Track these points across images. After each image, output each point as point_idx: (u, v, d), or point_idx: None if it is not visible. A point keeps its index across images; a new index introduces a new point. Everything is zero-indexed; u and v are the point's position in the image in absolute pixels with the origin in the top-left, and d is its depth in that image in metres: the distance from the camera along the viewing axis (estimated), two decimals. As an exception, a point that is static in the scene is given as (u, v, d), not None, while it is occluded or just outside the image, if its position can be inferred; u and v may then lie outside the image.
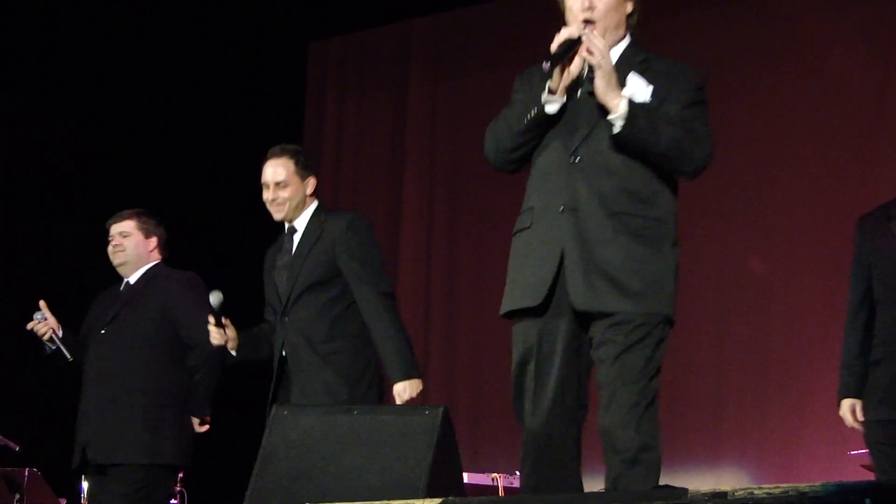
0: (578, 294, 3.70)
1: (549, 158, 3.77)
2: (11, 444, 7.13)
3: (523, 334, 3.82)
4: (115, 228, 5.75)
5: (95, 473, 5.58)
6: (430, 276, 8.38)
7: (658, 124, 3.66)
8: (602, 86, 3.62)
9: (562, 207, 3.73)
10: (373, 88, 8.66)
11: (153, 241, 5.81)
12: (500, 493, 6.95)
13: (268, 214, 5.14)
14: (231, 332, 4.95)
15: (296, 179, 5.07)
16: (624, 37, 3.85)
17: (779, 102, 7.10)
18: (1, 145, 7.65)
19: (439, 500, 3.08)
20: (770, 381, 7.35)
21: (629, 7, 3.82)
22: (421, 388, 5.00)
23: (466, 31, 8.25)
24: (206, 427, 5.76)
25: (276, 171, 5.06)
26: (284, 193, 5.06)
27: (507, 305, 3.84)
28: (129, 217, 5.78)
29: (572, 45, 3.66)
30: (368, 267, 5.00)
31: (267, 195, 5.06)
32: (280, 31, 8.45)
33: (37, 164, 8.08)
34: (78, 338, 5.65)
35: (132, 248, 5.75)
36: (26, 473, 7.23)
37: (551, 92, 3.73)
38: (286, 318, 5.05)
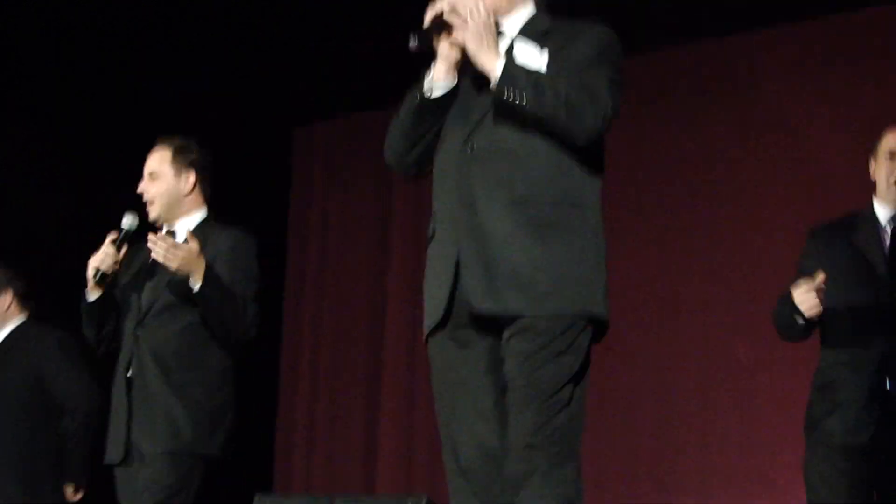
0: (476, 296, 3.23)
1: (444, 154, 3.36)
2: None
3: (435, 357, 3.40)
4: None
5: None
6: (414, 368, 8.27)
7: (544, 84, 3.19)
8: (473, 47, 3.19)
9: (458, 205, 3.29)
10: (359, 174, 8.61)
11: (7, 297, 5.58)
12: None
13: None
14: (115, 265, 4.39)
15: (169, 172, 4.51)
16: (524, 5, 3.43)
17: (767, 187, 7.08)
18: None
19: None
20: (754, 468, 7.16)
21: None
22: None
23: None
24: (80, 495, 5.42)
25: (151, 161, 4.54)
26: (154, 188, 4.50)
27: (426, 330, 3.40)
28: None
29: (439, 28, 3.30)
30: (241, 287, 4.42)
31: (143, 188, 4.53)
32: (264, 116, 8.39)
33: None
34: None
35: None
36: None
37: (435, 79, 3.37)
38: (139, 333, 4.42)
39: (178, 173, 4.50)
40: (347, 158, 8.66)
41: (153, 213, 4.48)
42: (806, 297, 4.16)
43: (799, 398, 6.75)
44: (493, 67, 3.16)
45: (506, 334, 3.24)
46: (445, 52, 3.32)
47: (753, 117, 7.21)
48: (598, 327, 3.34)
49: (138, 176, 4.58)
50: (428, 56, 3.34)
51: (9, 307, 5.62)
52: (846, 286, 4.31)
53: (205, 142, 7.71)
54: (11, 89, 7.31)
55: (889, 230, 4.35)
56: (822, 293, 4.16)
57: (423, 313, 3.41)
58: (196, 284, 4.22)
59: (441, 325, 3.32)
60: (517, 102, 3.15)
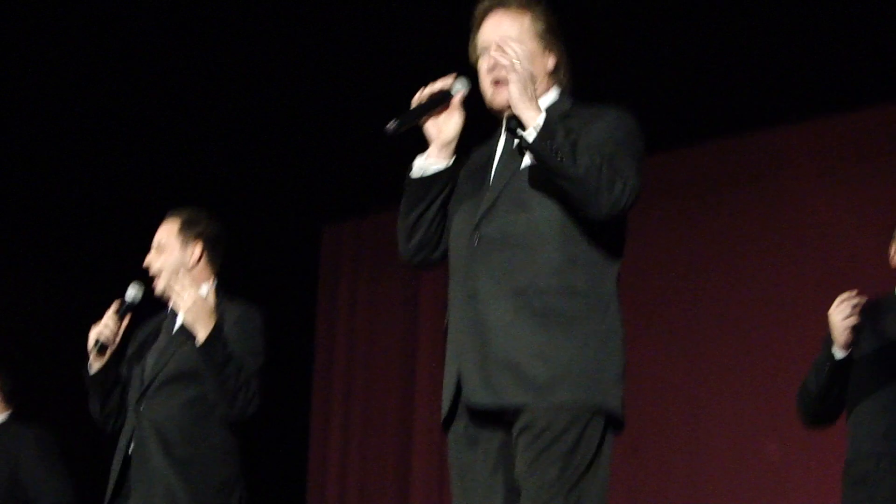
0: (475, 390, 3.14)
1: (455, 245, 3.31)
2: None
3: (449, 453, 3.33)
4: None
5: None
6: (444, 452, 8.22)
7: (581, 147, 3.11)
8: (516, 93, 3.11)
9: (464, 295, 3.22)
10: (385, 271, 8.70)
11: None
12: None
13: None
14: (116, 336, 4.35)
15: (175, 244, 4.45)
16: (548, 91, 3.41)
17: (794, 281, 7.11)
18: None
19: None
20: None
21: (550, 63, 3.39)
22: None
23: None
24: None
25: (159, 233, 4.48)
26: (159, 260, 4.43)
27: (442, 425, 3.34)
28: None
29: (442, 99, 3.31)
30: (245, 361, 4.32)
31: (151, 258, 4.47)
32: (295, 214, 8.58)
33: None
34: None
35: None
36: None
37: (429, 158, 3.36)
38: (141, 408, 4.31)
39: (184, 245, 4.44)
40: (374, 252, 8.83)
41: (160, 285, 4.40)
42: (840, 310, 4.25)
43: (830, 496, 6.76)
44: (534, 117, 3.09)
45: (514, 431, 3.14)
46: (435, 133, 3.32)
47: (780, 212, 7.27)
48: (611, 419, 3.21)
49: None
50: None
51: None
52: (871, 373, 4.29)
53: (241, 238, 7.82)
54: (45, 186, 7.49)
55: None
56: (857, 309, 4.22)
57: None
58: (201, 338, 4.16)
59: (450, 419, 3.26)
60: (553, 157, 3.07)
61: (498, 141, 3.37)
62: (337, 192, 8.55)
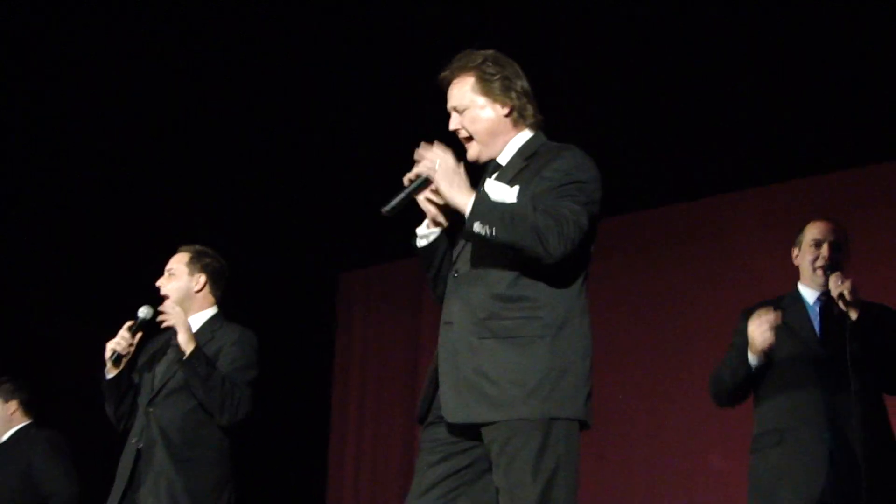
0: (448, 407, 3.34)
1: (447, 279, 3.50)
2: None
3: (422, 437, 3.53)
4: None
5: None
6: None
7: (513, 215, 3.25)
8: (445, 189, 3.29)
9: (443, 323, 3.43)
10: (392, 310, 9.27)
11: (12, 405, 5.88)
12: None
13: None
14: (129, 348, 4.62)
15: (185, 272, 4.77)
16: (516, 133, 3.54)
17: (731, 320, 7.41)
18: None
19: None
20: None
21: (503, 111, 3.50)
22: None
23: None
24: None
25: (172, 261, 4.82)
26: (170, 284, 4.76)
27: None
28: None
29: (423, 184, 3.41)
30: (240, 373, 4.66)
31: (161, 283, 4.79)
32: (314, 263, 9.05)
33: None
34: None
35: None
36: None
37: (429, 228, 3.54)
38: (150, 410, 4.62)
39: (191, 273, 4.76)
40: (383, 295, 9.35)
41: (166, 306, 4.66)
42: (762, 329, 4.29)
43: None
44: (465, 204, 3.23)
45: (486, 442, 3.31)
46: (425, 207, 3.44)
47: (726, 263, 7.88)
48: (574, 424, 3.33)
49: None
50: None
51: (13, 413, 5.91)
52: (780, 362, 4.38)
53: (268, 282, 8.03)
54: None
55: (817, 310, 4.44)
56: (771, 327, 4.26)
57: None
58: (186, 355, 4.52)
59: (422, 423, 3.48)
60: (487, 233, 3.21)
61: (481, 188, 3.45)
62: (351, 244, 8.98)
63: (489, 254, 3.35)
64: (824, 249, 4.45)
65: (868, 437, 4.15)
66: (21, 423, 5.93)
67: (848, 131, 7.21)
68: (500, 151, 3.51)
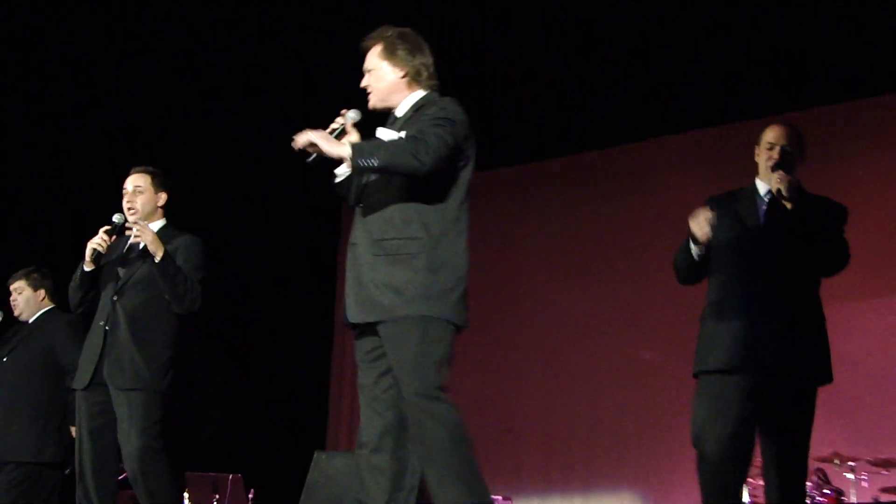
0: (351, 311, 3.99)
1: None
2: None
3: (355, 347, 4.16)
4: (12, 287, 6.40)
5: None
6: None
7: (383, 145, 3.93)
8: (326, 149, 3.89)
9: (350, 244, 4.08)
10: None
11: (41, 292, 6.38)
12: None
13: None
14: (106, 246, 5.23)
15: (150, 190, 5.41)
16: (411, 92, 4.12)
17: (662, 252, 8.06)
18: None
19: None
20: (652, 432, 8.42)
21: (400, 73, 4.12)
22: None
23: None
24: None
25: (138, 179, 5.43)
26: (139, 199, 5.38)
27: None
28: (20, 278, 6.39)
29: (343, 130, 4.06)
30: (190, 272, 5.27)
31: (125, 201, 5.38)
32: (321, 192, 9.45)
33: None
34: None
35: (23, 302, 6.35)
36: (230, 478, 8.10)
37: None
38: (116, 299, 5.26)
39: (155, 192, 5.45)
40: None
41: (133, 217, 5.35)
42: (699, 225, 4.57)
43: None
44: (344, 152, 3.86)
45: (381, 337, 3.96)
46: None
47: (654, 205, 8.78)
48: (447, 325, 3.92)
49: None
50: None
51: (43, 299, 6.42)
52: (728, 244, 4.67)
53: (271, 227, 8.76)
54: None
55: (766, 201, 4.70)
56: (708, 223, 4.53)
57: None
58: (157, 259, 5.19)
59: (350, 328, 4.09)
60: (370, 164, 3.84)
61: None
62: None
63: (381, 188, 4.01)
64: (775, 151, 4.70)
65: (793, 310, 4.49)
66: (46, 307, 6.45)
67: (764, 81, 7.95)
68: (398, 105, 4.16)
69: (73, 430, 5.77)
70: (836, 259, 4.63)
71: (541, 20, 8.10)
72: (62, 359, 6.12)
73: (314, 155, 3.97)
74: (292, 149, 3.94)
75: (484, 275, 9.52)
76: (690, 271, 4.75)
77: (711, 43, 7.96)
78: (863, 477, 7.17)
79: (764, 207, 4.67)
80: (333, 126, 4.08)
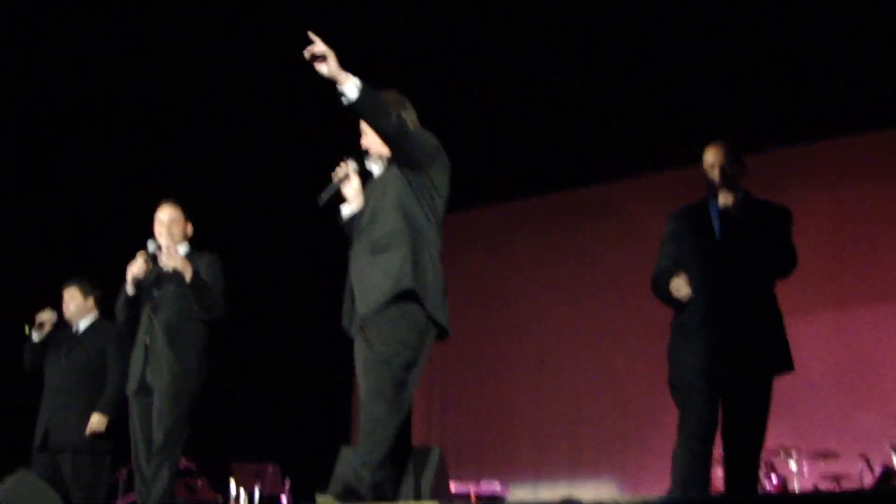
0: (346, 316, 4.18)
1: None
2: (191, 464, 7.95)
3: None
4: (66, 292, 6.35)
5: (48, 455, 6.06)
6: (434, 363, 9.54)
7: (383, 102, 4.03)
8: (333, 69, 3.88)
9: (351, 257, 4.24)
10: None
11: (90, 300, 6.37)
12: (472, 499, 7.82)
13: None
14: (146, 271, 5.39)
15: (182, 221, 5.62)
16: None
17: (634, 276, 7.62)
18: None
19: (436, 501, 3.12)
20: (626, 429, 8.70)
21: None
22: None
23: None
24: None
25: (168, 212, 5.61)
26: (175, 229, 5.58)
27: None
28: (73, 285, 6.35)
29: (346, 175, 4.33)
30: (215, 286, 5.44)
31: (160, 229, 5.55)
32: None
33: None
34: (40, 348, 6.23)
35: (75, 307, 6.32)
36: (269, 469, 8.27)
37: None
38: (152, 315, 5.44)
39: (184, 223, 5.64)
40: None
41: (165, 241, 5.49)
42: (682, 294, 4.50)
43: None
44: (346, 78, 3.93)
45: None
46: (347, 194, 4.39)
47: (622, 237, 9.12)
48: (429, 325, 4.04)
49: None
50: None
51: (91, 307, 6.39)
52: (689, 260, 4.62)
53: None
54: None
55: (720, 215, 4.63)
56: (686, 286, 4.48)
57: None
58: (188, 278, 5.38)
59: (345, 331, 4.26)
60: (368, 106, 3.95)
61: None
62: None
63: (375, 209, 4.18)
64: (716, 172, 4.66)
65: (754, 314, 4.43)
66: (93, 314, 6.43)
67: (736, 120, 8.04)
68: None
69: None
70: (787, 261, 4.63)
71: (536, 58, 8.15)
72: (109, 368, 6.21)
73: (324, 195, 4.23)
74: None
75: (486, 291, 10.31)
76: (671, 304, 4.68)
77: (696, 81, 8.02)
78: (803, 466, 7.36)
79: (718, 223, 4.64)
80: (339, 172, 4.34)
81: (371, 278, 4.05)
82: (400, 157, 4.14)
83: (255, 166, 9.51)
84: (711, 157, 4.70)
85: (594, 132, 8.79)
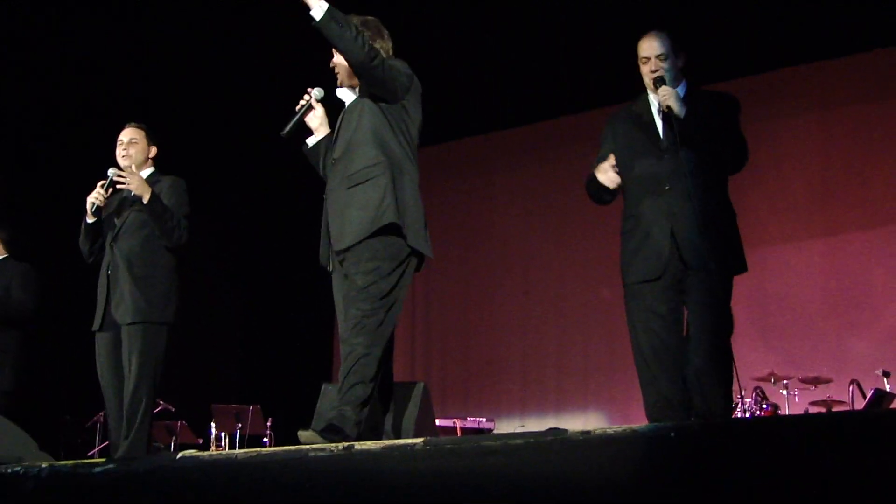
0: (334, 242, 4.13)
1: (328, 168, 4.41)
2: (169, 406, 7.90)
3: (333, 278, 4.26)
4: None
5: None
6: (416, 296, 9.89)
7: (352, 27, 4.01)
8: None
9: (327, 192, 4.24)
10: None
11: None
12: (458, 433, 7.80)
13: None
14: (104, 199, 5.23)
15: (143, 142, 5.44)
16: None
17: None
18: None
19: (421, 439, 3.01)
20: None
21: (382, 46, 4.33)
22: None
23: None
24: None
25: (132, 132, 5.47)
26: (132, 149, 5.42)
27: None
28: None
29: (310, 105, 4.33)
30: (176, 209, 5.27)
31: (120, 150, 5.42)
32: None
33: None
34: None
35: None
36: (250, 409, 8.19)
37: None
38: (114, 244, 5.31)
39: (148, 144, 5.47)
40: None
41: (127, 162, 5.37)
42: (608, 177, 4.38)
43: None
44: (316, 1, 3.95)
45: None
46: (311, 124, 4.40)
47: None
48: (410, 254, 4.03)
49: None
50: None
51: None
52: (634, 156, 4.42)
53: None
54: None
55: (661, 114, 4.38)
56: (615, 169, 4.36)
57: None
58: (146, 199, 5.21)
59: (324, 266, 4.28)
60: (333, 27, 3.93)
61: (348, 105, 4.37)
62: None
63: (348, 138, 4.17)
64: (650, 64, 4.38)
65: (701, 213, 4.20)
66: (2, 256, 6.37)
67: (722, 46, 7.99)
68: (358, 84, 4.31)
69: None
70: (736, 154, 4.38)
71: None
72: (16, 302, 6.15)
73: (288, 127, 4.18)
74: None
75: (468, 226, 10.31)
76: (603, 199, 4.55)
77: (679, 4, 7.89)
78: (794, 393, 7.44)
79: (659, 121, 4.40)
80: (301, 102, 4.31)
81: (349, 213, 4.03)
82: (371, 86, 4.10)
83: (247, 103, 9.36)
84: (644, 50, 4.41)
85: (576, 59, 8.79)
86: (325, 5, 3.94)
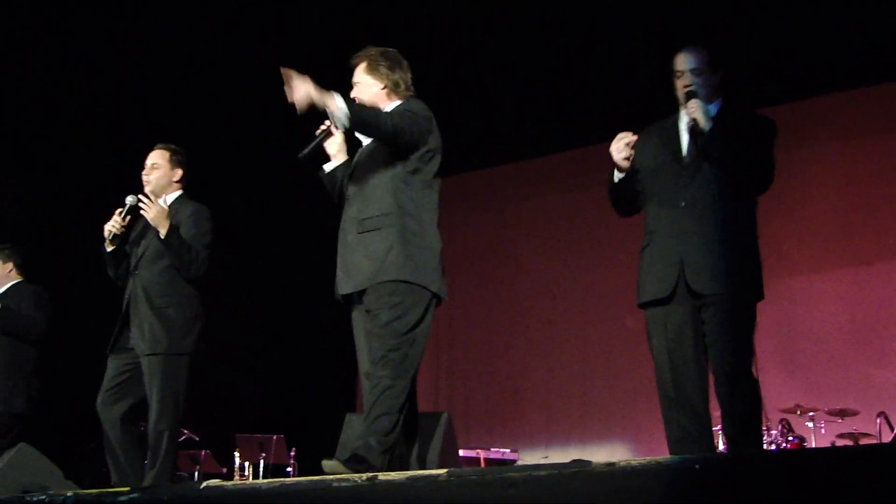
0: (340, 284, 4.17)
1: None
2: (194, 435, 7.95)
3: (353, 319, 4.24)
4: None
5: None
6: (439, 327, 9.36)
7: (367, 107, 4.14)
8: (317, 98, 3.99)
9: (341, 227, 4.28)
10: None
11: (9, 265, 6.29)
12: (482, 463, 7.70)
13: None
14: (122, 228, 5.24)
15: (167, 166, 5.38)
16: (393, 101, 4.29)
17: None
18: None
19: (445, 470, 3.01)
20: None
21: (382, 86, 4.29)
22: None
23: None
24: None
25: (153, 157, 5.42)
26: (154, 174, 5.37)
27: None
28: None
29: (329, 131, 4.34)
30: (197, 239, 5.22)
31: (143, 175, 5.38)
32: None
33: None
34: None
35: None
36: (274, 439, 8.21)
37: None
38: (134, 273, 5.28)
39: (171, 168, 5.41)
40: None
41: (149, 187, 5.34)
42: (616, 147, 4.29)
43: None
44: (332, 99, 3.99)
45: (364, 303, 4.10)
46: (330, 150, 4.41)
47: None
48: (426, 291, 4.03)
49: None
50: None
51: (10, 271, 6.32)
52: (656, 170, 4.35)
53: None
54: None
55: (688, 128, 4.31)
56: (630, 146, 4.27)
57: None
58: (163, 233, 5.15)
59: (348, 301, 4.24)
60: (357, 118, 4.00)
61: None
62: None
63: (362, 177, 4.21)
64: (684, 79, 4.30)
65: (720, 234, 4.13)
66: (15, 280, 6.36)
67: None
68: None
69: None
70: (759, 175, 4.26)
71: (539, 23, 8.19)
72: (26, 317, 6.12)
73: (306, 151, 4.25)
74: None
75: (492, 255, 10.32)
76: (619, 201, 4.47)
77: (704, 35, 7.42)
78: (821, 425, 7.37)
79: (685, 136, 4.31)
80: (322, 127, 4.35)
81: (356, 259, 4.09)
82: (400, 147, 4.13)
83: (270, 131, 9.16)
84: (679, 64, 4.34)
85: (601, 89, 8.78)
86: (343, 104, 3.98)
